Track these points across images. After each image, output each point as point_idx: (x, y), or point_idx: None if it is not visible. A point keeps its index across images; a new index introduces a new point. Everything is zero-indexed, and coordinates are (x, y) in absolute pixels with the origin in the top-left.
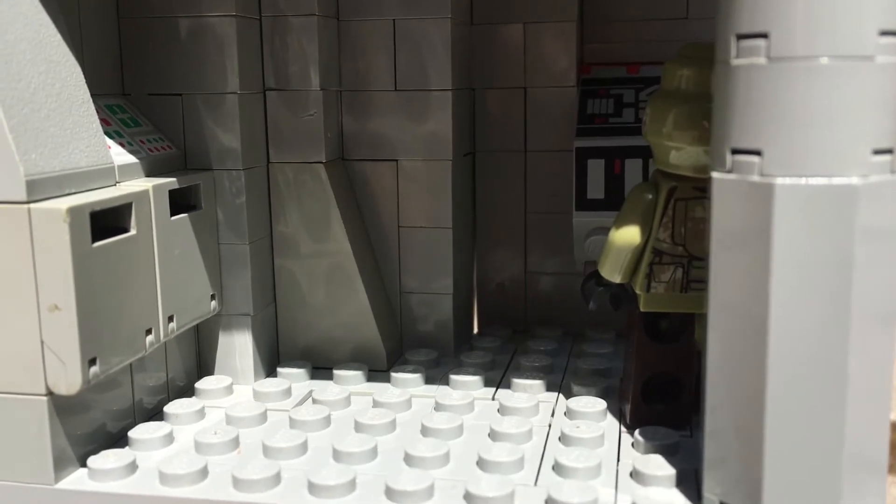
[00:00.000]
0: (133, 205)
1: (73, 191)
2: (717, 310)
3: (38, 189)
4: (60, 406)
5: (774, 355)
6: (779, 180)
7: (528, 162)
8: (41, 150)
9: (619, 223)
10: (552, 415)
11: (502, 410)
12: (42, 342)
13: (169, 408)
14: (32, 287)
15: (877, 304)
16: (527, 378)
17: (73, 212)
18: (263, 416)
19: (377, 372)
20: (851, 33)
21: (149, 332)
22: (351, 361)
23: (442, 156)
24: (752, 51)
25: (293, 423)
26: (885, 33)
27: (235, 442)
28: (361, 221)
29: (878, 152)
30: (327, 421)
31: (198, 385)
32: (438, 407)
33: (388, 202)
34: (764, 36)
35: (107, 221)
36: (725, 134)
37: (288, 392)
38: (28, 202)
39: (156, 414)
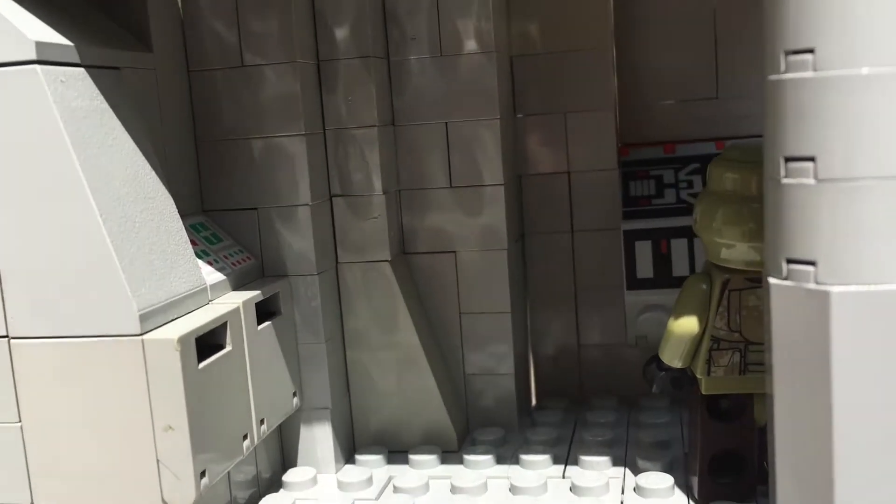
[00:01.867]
0: (228, 323)
1: (176, 316)
2: (782, 397)
3: (149, 321)
4: None
5: (840, 449)
6: (834, 288)
7: (575, 241)
8: (148, 284)
9: (678, 312)
10: (622, 492)
11: (575, 490)
12: (157, 460)
13: (265, 502)
14: (147, 410)
15: None
16: (593, 455)
17: (183, 340)
18: None
19: (449, 453)
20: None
21: (245, 437)
22: (423, 444)
23: (497, 245)
24: (801, 172)
25: None
26: None
27: None
28: (424, 311)
29: None
30: None
31: (285, 478)
32: (514, 489)
33: (448, 291)
34: (811, 160)
35: (205, 339)
36: (780, 245)
37: (370, 481)
38: (141, 334)
39: None
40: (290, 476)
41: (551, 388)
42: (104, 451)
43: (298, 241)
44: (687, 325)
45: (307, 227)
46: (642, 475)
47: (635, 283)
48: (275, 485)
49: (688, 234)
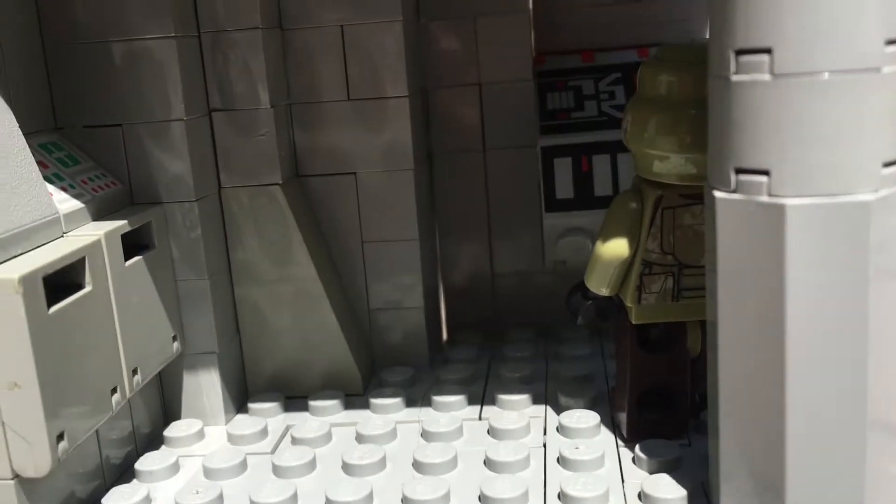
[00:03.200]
0: (86, 258)
1: (20, 251)
2: (727, 322)
3: None
4: (26, 484)
5: (793, 373)
6: (789, 201)
7: (487, 160)
8: None
9: (605, 235)
10: (544, 432)
11: (493, 433)
12: (3, 423)
13: (140, 464)
14: None
15: (894, 317)
16: (511, 393)
17: (26, 280)
18: (243, 465)
19: (354, 396)
20: (855, 46)
21: (114, 390)
22: (324, 388)
23: (402, 165)
24: (755, 66)
25: (277, 469)
26: (890, 42)
27: (220, 500)
28: (323, 239)
29: (888, 164)
30: (313, 464)
31: (166, 433)
32: (426, 435)
33: (349, 218)
34: (767, 51)
35: (59, 279)
36: (727, 152)
37: (264, 432)
38: None
39: (126, 470)
40: (172, 430)
41: (464, 321)
42: None
43: (172, 163)
44: (616, 248)
45: (182, 146)
46: (565, 413)
47: (554, 205)
48: (155, 441)
49: (611, 149)
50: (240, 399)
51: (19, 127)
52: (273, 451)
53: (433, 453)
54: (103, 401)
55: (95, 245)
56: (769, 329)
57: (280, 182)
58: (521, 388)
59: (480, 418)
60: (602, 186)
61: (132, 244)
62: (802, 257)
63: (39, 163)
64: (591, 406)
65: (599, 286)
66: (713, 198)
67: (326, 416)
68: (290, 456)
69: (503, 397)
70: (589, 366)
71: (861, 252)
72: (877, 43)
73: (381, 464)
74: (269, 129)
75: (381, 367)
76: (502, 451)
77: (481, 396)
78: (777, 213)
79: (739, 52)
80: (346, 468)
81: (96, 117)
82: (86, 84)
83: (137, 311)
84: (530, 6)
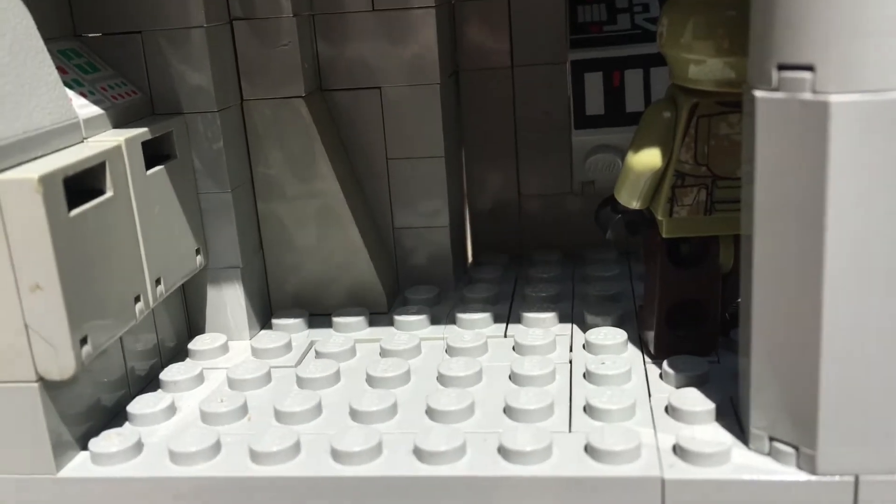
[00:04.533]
0: (106, 163)
1: (40, 154)
2: (764, 234)
3: (1, 157)
4: (52, 389)
5: (831, 288)
6: (833, 97)
7: (515, 78)
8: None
9: (638, 145)
10: (570, 349)
11: (519, 349)
12: (26, 326)
13: (165, 374)
14: (8, 267)
15: None
16: (537, 311)
17: (46, 180)
18: (268, 376)
19: (378, 315)
20: None
21: (137, 299)
22: (348, 305)
23: (428, 80)
24: None
25: (301, 381)
26: None
27: (244, 408)
28: (346, 156)
29: None
30: (337, 376)
31: (191, 346)
32: (451, 350)
33: (373, 134)
34: None
35: (79, 184)
36: (769, 48)
37: (288, 346)
38: None
39: (151, 382)
40: (196, 343)
41: (490, 242)
42: None
43: (193, 73)
44: (648, 158)
45: (203, 55)
46: (592, 331)
47: (584, 122)
48: (180, 354)
49: (643, 63)
50: (264, 314)
51: (41, 31)
52: (297, 365)
53: (457, 367)
54: (127, 308)
55: (116, 150)
56: (808, 240)
57: (303, 95)
58: (547, 307)
59: (506, 336)
60: (634, 102)
61: (154, 154)
62: (847, 159)
63: (59, 68)
64: (618, 324)
65: (630, 199)
66: (753, 98)
67: (351, 332)
68: (315, 368)
69: (529, 315)
70: (617, 285)
71: None
72: None
73: (406, 377)
74: (292, 39)
75: (406, 286)
76: (527, 366)
77: (507, 315)
78: (821, 111)
79: None
80: (371, 380)
81: (115, 24)
82: None
83: (160, 221)
84: None
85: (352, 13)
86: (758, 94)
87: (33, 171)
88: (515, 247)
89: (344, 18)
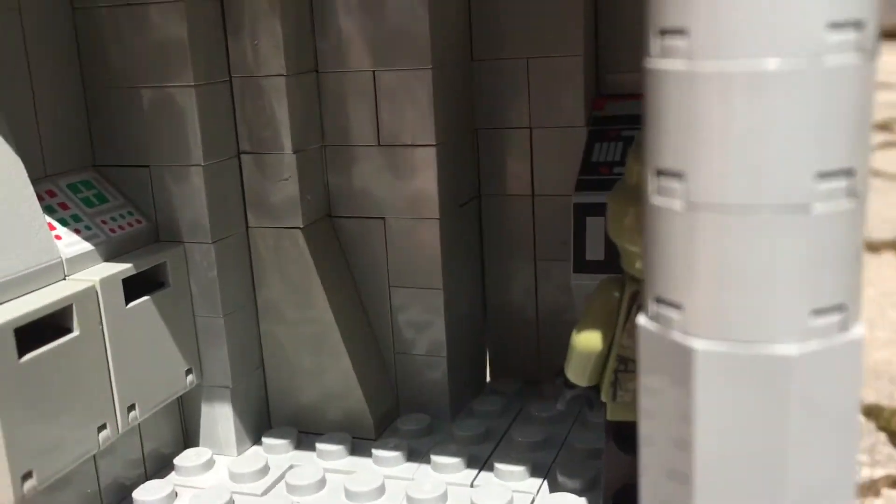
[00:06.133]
0: (73, 306)
1: (15, 295)
2: (649, 446)
3: None
4: None
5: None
6: (700, 344)
7: (535, 205)
8: None
9: (582, 324)
10: None
11: None
12: None
13: (138, 493)
14: None
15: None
16: (511, 464)
17: None
18: None
19: (366, 440)
20: (788, 180)
21: (103, 427)
22: (339, 430)
23: (428, 214)
24: (669, 191)
25: None
26: (823, 175)
27: None
28: (350, 281)
29: (818, 312)
30: None
31: (176, 461)
32: (410, 501)
33: (377, 261)
34: (678, 176)
35: (51, 321)
36: (648, 276)
37: (264, 470)
38: None
39: (124, 498)
40: (181, 459)
41: (505, 365)
42: None
43: (191, 207)
44: (590, 340)
45: (200, 192)
46: (554, 495)
47: (583, 266)
48: (169, 466)
49: None
50: (258, 429)
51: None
52: (263, 494)
53: None
54: (87, 438)
55: (88, 291)
56: (681, 476)
57: (301, 226)
58: (527, 456)
59: (472, 485)
60: None
61: (151, 281)
62: (714, 411)
63: (61, 204)
64: (587, 488)
65: (577, 377)
66: (637, 326)
67: (330, 460)
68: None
69: (500, 467)
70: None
71: (783, 409)
72: (807, 177)
73: None
74: (292, 173)
75: (408, 410)
76: None
77: (484, 459)
78: (687, 355)
79: (661, 173)
80: None
81: (128, 158)
82: (119, 126)
83: (139, 350)
84: (587, 48)
85: (358, 146)
86: (640, 320)
87: None
88: (532, 370)
89: (351, 150)
